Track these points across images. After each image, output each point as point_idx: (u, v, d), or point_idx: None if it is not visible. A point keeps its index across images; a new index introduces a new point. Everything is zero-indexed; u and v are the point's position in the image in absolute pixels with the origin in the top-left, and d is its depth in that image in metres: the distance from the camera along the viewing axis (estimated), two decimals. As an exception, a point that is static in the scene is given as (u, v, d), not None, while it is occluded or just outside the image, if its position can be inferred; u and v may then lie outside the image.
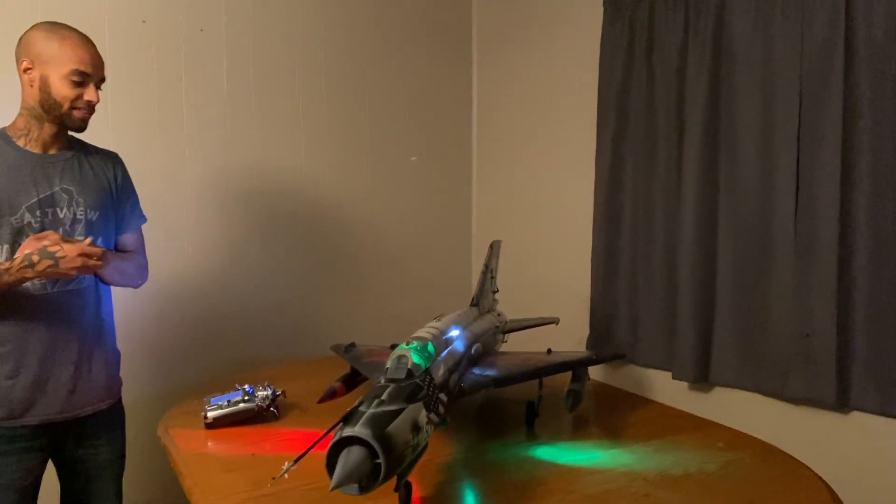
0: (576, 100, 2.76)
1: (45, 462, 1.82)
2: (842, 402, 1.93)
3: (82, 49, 1.71)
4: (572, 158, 2.79)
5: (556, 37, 2.89)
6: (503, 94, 3.21)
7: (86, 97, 1.72)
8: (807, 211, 1.98)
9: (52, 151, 1.77)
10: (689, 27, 2.24)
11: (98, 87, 1.77)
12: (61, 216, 1.74)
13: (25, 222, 1.69)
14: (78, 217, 1.77)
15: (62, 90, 1.70)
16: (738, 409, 2.18)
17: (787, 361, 2.04)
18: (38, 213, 1.71)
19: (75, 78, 1.69)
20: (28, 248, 1.62)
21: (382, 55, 3.10)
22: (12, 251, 1.68)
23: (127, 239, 1.96)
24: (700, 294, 2.24)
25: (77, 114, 1.73)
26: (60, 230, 1.72)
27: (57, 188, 1.75)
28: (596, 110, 2.60)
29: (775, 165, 2.06)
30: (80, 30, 1.76)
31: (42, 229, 1.70)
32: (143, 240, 2.00)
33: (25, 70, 1.70)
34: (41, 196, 1.72)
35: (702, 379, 2.27)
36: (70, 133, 1.81)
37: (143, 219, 1.99)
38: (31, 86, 1.70)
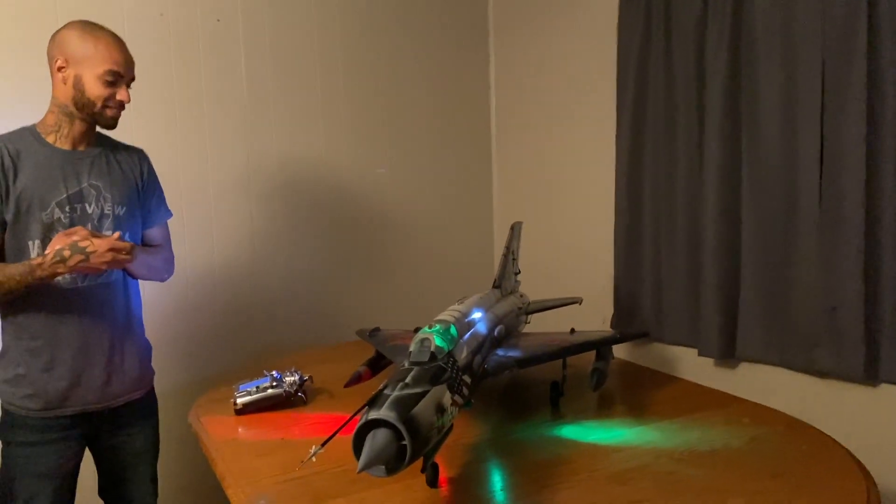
0: (594, 79, 2.74)
1: (83, 450, 1.87)
2: (870, 375, 1.91)
3: (116, 50, 1.75)
4: (592, 138, 2.77)
5: (572, 17, 2.86)
6: (521, 77, 3.19)
7: (118, 97, 1.76)
8: (831, 184, 1.95)
9: (81, 148, 1.80)
10: (708, 3, 2.20)
11: (128, 87, 1.80)
12: (89, 211, 1.78)
13: (55, 218, 1.73)
14: (105, 212, 1.80)
15: (96, 90, 1.73)
16: (765, 385, 2.17)
17: (814, 335, 2.02)
18: (67, 208, 1.74)
19: (109, 78, 1.73)
20: (59, 243, 1.66)
21: (399, 40, 3.10)
22: (43, 246, 1.72)
23: (153, 233, 2.00)
24: (724, 270, 2.22)
25: (109, 112, 1.77)
26: (89, 225, 1.76)
27: (85, 184, 1.78)
28: (615, 90, 2.58)
29: (798, 139, 2.03)
30: (100, 23, 1.78)
31: (71, 225, 1.74)
32: (169, 234, 2.04)
33: (59, 68, 1.73)
34: (70, 192, 1.75)
35: (728, 355, 2.25)
36: (98, 129, 1.84)
37: (168, 213, 2.02)
38: (65, 84, 1.73)
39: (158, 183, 2.00)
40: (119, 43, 1.77)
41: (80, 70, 1.72)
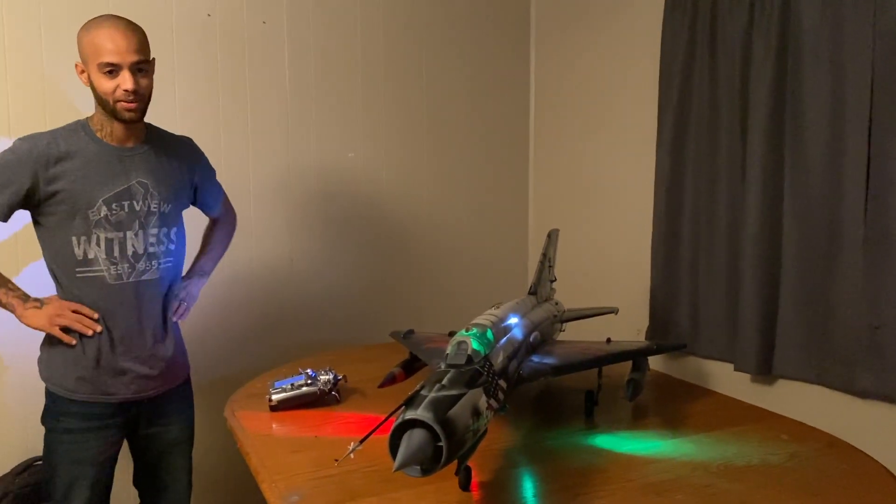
0: (635, 86, 2.72)
1: (122, 439, 1.92)
2: (913, 397, 1.87)
3: (107, 38, 1.67)
4: (632, 146, 2.75)
5: (615, 22, 2.85)
6: (561, 81, 3.18)
7: (122, 86, 1.68)
8: (878, 199, 1.91)
9: (129, 144, 1.82)
10: (754, 12, 2.18)
11: (139, 71, 1.71)
12: (136, 209, 1.80)
13: (102, 215, 1.76)
14: (152, 209, 1.83)
15: (101, 85, 1.70)
16: (803, 403, 2.12)
17: (855, 354, 1.97)
18: (114, 205, 1.77)
19: (106, 69, 1.68)
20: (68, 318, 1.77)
21: (441, 43, 3.11)
22: (89, 243, 1.76)
23: (218, 210, 2.13)
24: (764, 284, 2.18)
25: (121, 106, 1.71)
26: (136, 222, 1.79)
27: (133, 181, 1.80)
28: (657, 97, 2.56)
29: (845, 154, 1.99)
30: (144, 24, 1.77)
31: (118, 222, 1.78)
32: (226, 197, 2.16)
33: (81, 72, 1.75)
34: (118, 189, 1.78)
35: (765, 371, 2.22)
36: (146, 123, 1.85)
37: (222, 191, 2.13)
38: (87, 86, 1.75)
39: (210, 167, 2.06)
40: (113, 30, 1.68)
41: (89, 68, 1.71)
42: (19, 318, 1.77)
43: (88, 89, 1.75)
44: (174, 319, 1.92)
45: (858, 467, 1.55)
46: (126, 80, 1.68)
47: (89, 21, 1.74)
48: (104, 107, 1.73)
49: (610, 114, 2.89)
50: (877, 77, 1.90)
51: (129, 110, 1.72)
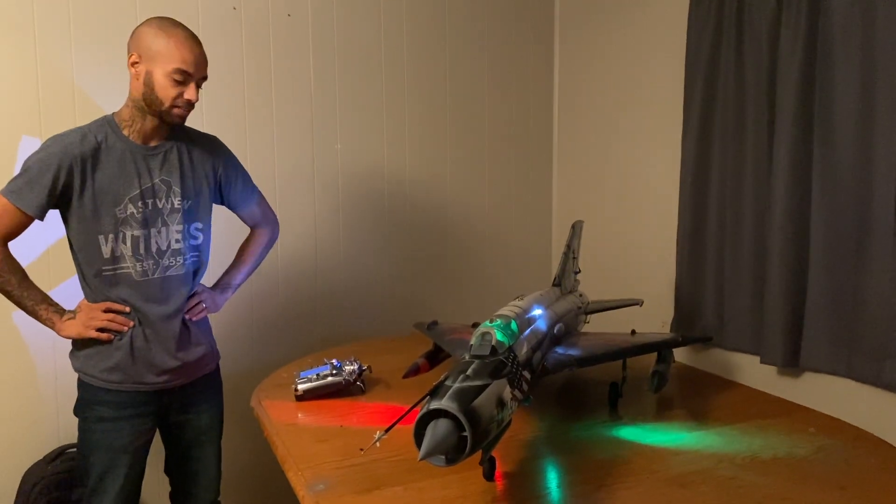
0: (661, 78, 2.70)
1: (154, 427, 1.95)
2: (942, 391, 1.84)
3: (186, 48, 1.74)
4: (657, 137, 2.73)
5: (640, 13, 2.83)
6: (585, 72, 3.16)
7: (186, 96, 1.76)
8: (909, 191, 1.88)
9: (154, 143, 1.84)
10: (783, 3, 2.15)
11: (199, 86, 1.80)
12: (160, 206, 1.83)
13: (129, 213, 1.79)
14: (175, 207, 1.86)
15: (164, 87, 1.74)
16: (830, 396, 2.10)
17: (885, 347, 1.95)
18: (139, 203, 1.80)
19: (177, 77, 1.73)
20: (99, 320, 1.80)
21: (464, 35, 3.11)
22: (116, 240, 1.79)
23: (250, 213, 2.10)
24: (791, 276, 2.16)
25: (176, 111, 1.78)
26: (159, 220, 1.82)
27: (157, 179, 1.83)
28: (682, 88, 2.54)
29: (874, 145, 1.96)
30: (171, 16, 1.81)
31: (144, 220, 1.80)
32: (263, 198, 2.13)
33: (133, 63, 1.76)
34: (143, 188, 1.81)
35: (791, 364, 2.19)
36: None
37: (256, 189, 2.10)
38: (137, 79, 1.76)
39: (239, 165, 2.05)
40: (191, 41, 1.76)
41: (151, 66, 1.74)
42: (58, 332, 1.82)
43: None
44: (187, 317, 1.92)
45: (887, 461, 1.53)
46: (192, 92, 1.77)
47: (160, 20, 1.78)
48: (152, 105, 1.76)
49: (635, 106, 2.87)
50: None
51: (182, 117, 1.81)
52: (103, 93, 2.41)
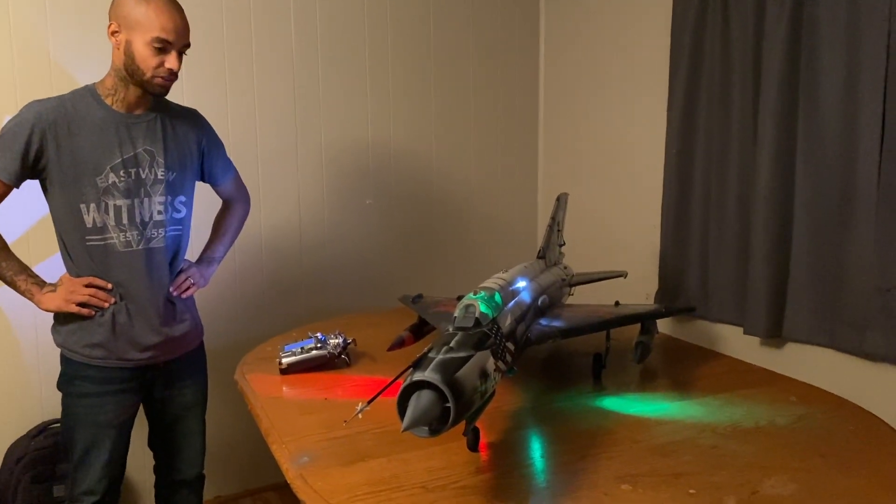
0: (647, 47, 2.68)
1: (138, 402, 1.94)
2: (923, 360, 1.87)
3: (166, 16, 1.70)
4: (642, 108, 2.72)
5: (626, -18, 2.80)
6: (570, 44, 3.14)
7: (167, 65, 1.72)
8: (892, 161, 1.88)
9: (137, 112, 1.81)
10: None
11: (182, 54, 1.76)
12: (143, 176, 1.80)
13: (110, 182, 1.76)
14: (159, 178, 1.83)
15: (145, 56, 1.70)
16: (812, 366, 2.12)
17: (866, 317, 1.97)
18: (121, 172, 1.77)
19: (157, 45, 1.69)
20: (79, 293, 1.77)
21: (448, 6, 3.07)
22: (98, 210, 1.76)
23: (227, 188, 2.09)
24: (774, 247, 2.17)
25: (157, 81, 1.74)
26: (142, 191, 1.80)
27: (140, 149, 1.80)
28: (668, 57, 2.52)
29: (859, 115, 1.96)
30: None
31: (126, 189, 1.77)
32: (238, 175, 2.12)
33: (113, 32, 1.73)
34: (125, 156, 1.78)
35: (774, 334, 2.21)
36: None
37: (232, 167, 2.10)
38: (118, 49, 1.73)
39: (219, 140, 2.03)
40: (172, 9, 1.72)
41: (131, 35, 1.70)
42: (37, 304, 1.79)
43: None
44: (175, 294, 1.90)
45: (866, 428, 1.55)
46: (173, 61, 1.73)
47: None
48: (134, 75, 1.73)
49: (620, 78, 2.86)
50: (893, 39, 1.86)
51: (164, 86, 1.76)
52: (80, 66, 2.37)
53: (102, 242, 1.78)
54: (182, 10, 1.76)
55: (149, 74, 1.72)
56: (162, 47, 1.70)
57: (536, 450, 1.51)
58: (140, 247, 1.81)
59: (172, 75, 1.75)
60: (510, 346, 1.47)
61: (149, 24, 1.69)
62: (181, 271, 1.94)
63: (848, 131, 1.99)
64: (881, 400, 1.80)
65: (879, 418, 1.59)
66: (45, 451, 2.34)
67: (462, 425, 1.29)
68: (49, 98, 1.76)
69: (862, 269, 1.98)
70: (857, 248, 1.99)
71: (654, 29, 2.61)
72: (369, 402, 1.23)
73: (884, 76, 1.89)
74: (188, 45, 1.78)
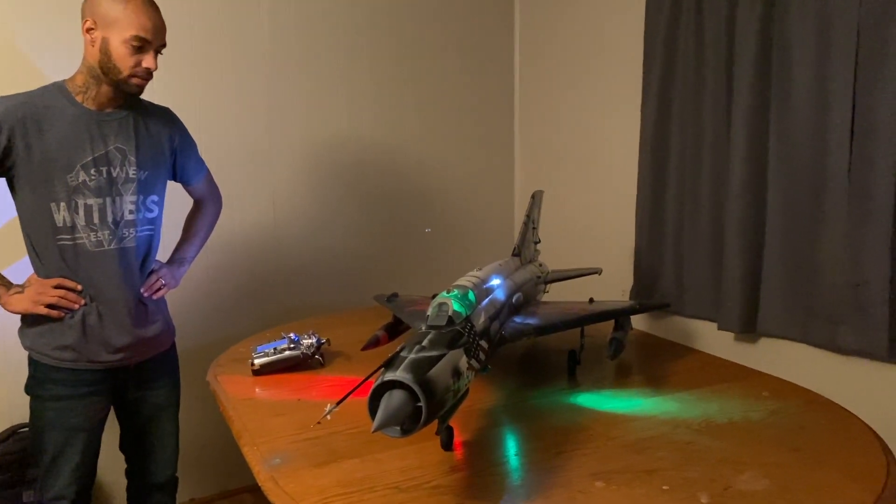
0: (621, 44, 2.69)
1: (109, 405, 1.92)
2: (894, 354, 1.88)
3: (145, 15, 1.68)
4: (617, 106, 2.73)
5: (601, -20, 2.81)
6: (546, 43, 3.14)
7: (144, 64, 1.70)
8: (862, 157, 1.90)
9: (109, 110, 1.78)
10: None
11: (158, 53, 1.75)
12: (114, 175, 1.77)
13: (80, 180, 1.73)
14: (130, 176, 1.80)
15: (122, 55, 1.68)
16: (786, 361, 2.14)
17: (838, 312, 1.98)
18: (92, 171, 1.74)
19: (135, 43, 1.67)
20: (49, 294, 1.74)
21: (423, 5, 3.05)
22: (69, 209, 1.72)
23: (199, 187, 2.07)
24: (748, 243, 2.19)
25: (134, 81, 1.72)
26: (114, 188, 1.76)
27: (111, 147, 1.77)
28: (642, 55, 2.53)
29: (829, 111, 1.98)
30: None
31: (98, 188, 1.74)
32: (212, 180, 2.11)
33: (88, 30, 1.69)
34: (96, 154, 1.74)
35: (748, 329, 2.23)
36: None
37: (205, 166, 2.07)
38: (93, 46, 1.69)
39: (191, 140, 2.00)
40: (150, 7, 1.70)
41: (108, 33, 1.67)
42: (3, 306, 1.76)
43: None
44: (146, 295, 1.87)
45: (838, 422, 1.56)
46: (150, 60, 1.72)
47: None
48: (109, 73, 1.70)
49: (595, 76, 2.86)
50: (863, 34, 1.88)
51: (140, 86, 1.75)
52: (47, 64, 2.32)
53: (73, 242, 1.75)
54: (159, 10, 1.74)
55: (126, 73, 1.70)
56: (140, 46, 1.68)
57: (511, 448, 1.50)
58: (111, 247, 1.78)
59: (149, 75, 1.74)
60: (484, 344, 1.46)
61: (127, 23, 1.66)
62: (152, 272, 1.90)
63: (818, 131, 2.01)
64: (853, 394, 1.82)
65: (851, 413, 1.60)
66: (14, 455, 2.30)
67: (435, 424, 1.28)
68: (17, 94, 1.72)
69: (834, 265, 2.00)
70: (828, 244, 2.01)
71: (628, 29, 2.61)
72: (339, 403, 1.22)
73: (853, 77, 1.91)
74: (164, 45, 1.76)
